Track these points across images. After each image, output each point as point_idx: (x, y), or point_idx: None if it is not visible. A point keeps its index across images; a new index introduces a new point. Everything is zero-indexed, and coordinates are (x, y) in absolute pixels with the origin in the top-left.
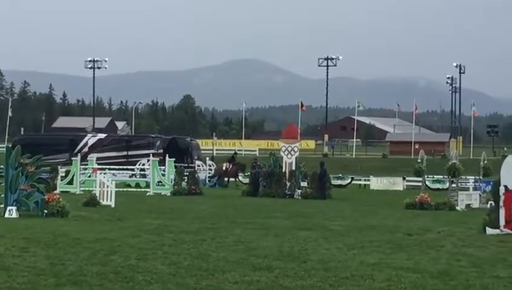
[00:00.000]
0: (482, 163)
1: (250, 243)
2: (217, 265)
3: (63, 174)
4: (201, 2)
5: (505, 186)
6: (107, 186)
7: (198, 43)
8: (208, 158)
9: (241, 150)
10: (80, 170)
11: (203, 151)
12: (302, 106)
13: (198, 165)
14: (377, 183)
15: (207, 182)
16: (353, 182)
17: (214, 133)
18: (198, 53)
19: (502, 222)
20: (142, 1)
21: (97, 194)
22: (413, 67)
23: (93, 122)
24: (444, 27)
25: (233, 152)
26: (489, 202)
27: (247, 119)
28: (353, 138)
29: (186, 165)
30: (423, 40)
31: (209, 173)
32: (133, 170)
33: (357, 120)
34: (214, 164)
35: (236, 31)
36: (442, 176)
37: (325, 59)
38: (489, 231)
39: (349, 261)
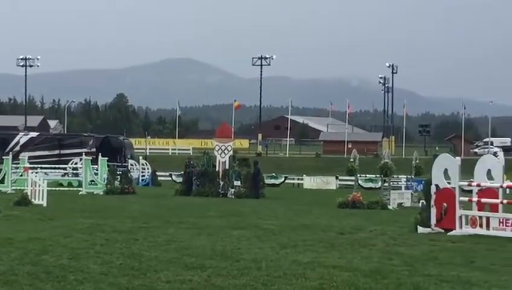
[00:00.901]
0: (413, 162)
1: (183, 242)
2: (149, 264)
3: None
4: (135, 1)
5: (436, 186)
6: (39, 186)
7: (132, 41)
8: (141, 157)
9: (175, 149)
10: (12, 169)
11: (136, 151)
12: (235, 102)
13: (132, 164)
14: (310, 182)
15: (140, 181)
16: (286, 181)
17: (147, 132)
18: (132, 52)
19: (433, 220)
20: (77, 0)
21: (29, 194)
22: (347, 67)
23: (25, 120)
24: (378, 27)
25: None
26: (421, 201)
27: (181, 119)
28: (287, 137)
29: (119, 164)
30: (357, 39)
31: (142, 172)
32: (65, 169)
33: (290, 119)
34: (147, 163)
35: (170, 30)
36: (374, 175)
37: (259, 58)
38: (421, 229)
39: (282, 260)
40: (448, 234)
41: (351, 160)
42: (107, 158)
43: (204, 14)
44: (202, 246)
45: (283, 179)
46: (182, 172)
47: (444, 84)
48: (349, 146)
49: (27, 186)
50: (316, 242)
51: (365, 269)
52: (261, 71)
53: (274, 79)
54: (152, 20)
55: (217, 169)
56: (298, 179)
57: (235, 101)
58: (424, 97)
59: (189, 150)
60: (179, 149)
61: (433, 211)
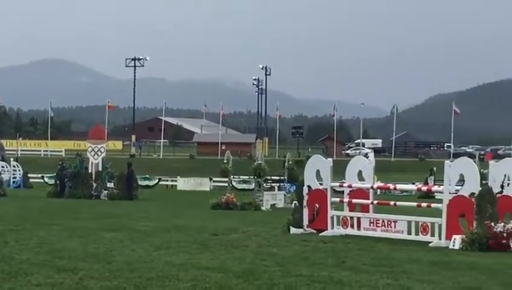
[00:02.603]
0: (286, 164)
1: (55, 244)
2: (20, 268)
3: None
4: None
5: (309, 187)
6: None
7: (1, 42)
8: (12, 159)
9: (47, 151)
10: None
11: (7, 152)
12: (109, 103)
13: (2, 166)
14: (184, 183)
15: (11, 183)
16: (160, 182)
17: (18, 134)
18: (1, 53)
19: (306, 221)
20: None
21: None
22: (222, 68)
23: None
24: (253, 28)
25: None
26: (294, 202)
27: (53, 120)
28: (161, 139)
29: None
30: (232, 40)
31: (13, 174)
32: None
33: (164, 121)
34: (18, 164)
35: (40, 30)
36: (248, 177)
37: (132, 59)
38: (293, 230)
39: (155, 261)
40: (320, 234)
41: (225, 161)
42: None
43: (76, 15)
44: (74, 248)
45: (157, 180)
46: (55, 174)
47: (317, 87)
48: (223, 147)
49: None
50: (190, 243)
51: (238, 270)
52: (135, 72)
53: (148, 80)
54: (21, 20)
55: (89, 171)
56: (172, 181)
57: (108, 102)
58: (298, 99)
59: (61, 151)
60: (51, 151)
61: (306, 212)
